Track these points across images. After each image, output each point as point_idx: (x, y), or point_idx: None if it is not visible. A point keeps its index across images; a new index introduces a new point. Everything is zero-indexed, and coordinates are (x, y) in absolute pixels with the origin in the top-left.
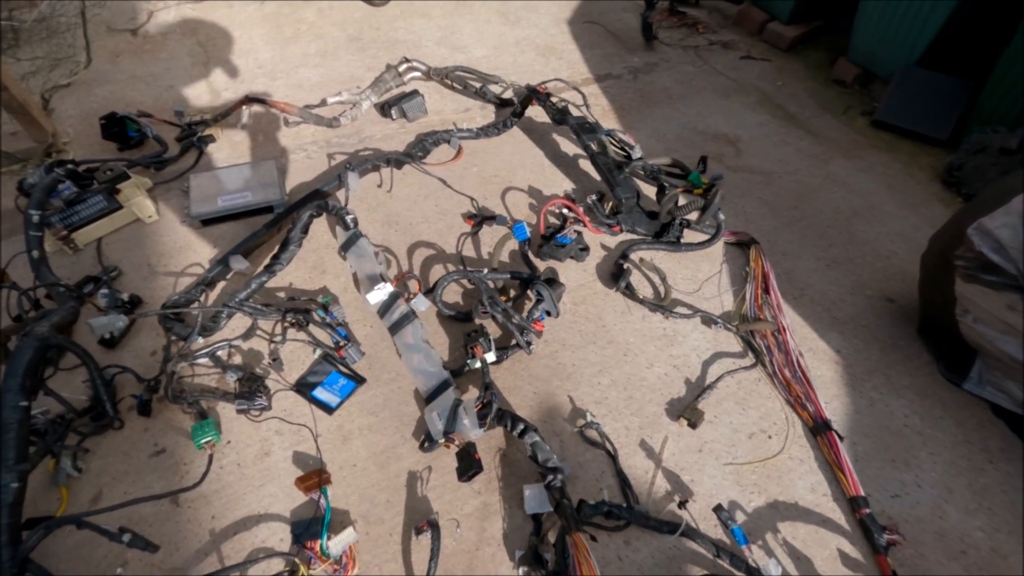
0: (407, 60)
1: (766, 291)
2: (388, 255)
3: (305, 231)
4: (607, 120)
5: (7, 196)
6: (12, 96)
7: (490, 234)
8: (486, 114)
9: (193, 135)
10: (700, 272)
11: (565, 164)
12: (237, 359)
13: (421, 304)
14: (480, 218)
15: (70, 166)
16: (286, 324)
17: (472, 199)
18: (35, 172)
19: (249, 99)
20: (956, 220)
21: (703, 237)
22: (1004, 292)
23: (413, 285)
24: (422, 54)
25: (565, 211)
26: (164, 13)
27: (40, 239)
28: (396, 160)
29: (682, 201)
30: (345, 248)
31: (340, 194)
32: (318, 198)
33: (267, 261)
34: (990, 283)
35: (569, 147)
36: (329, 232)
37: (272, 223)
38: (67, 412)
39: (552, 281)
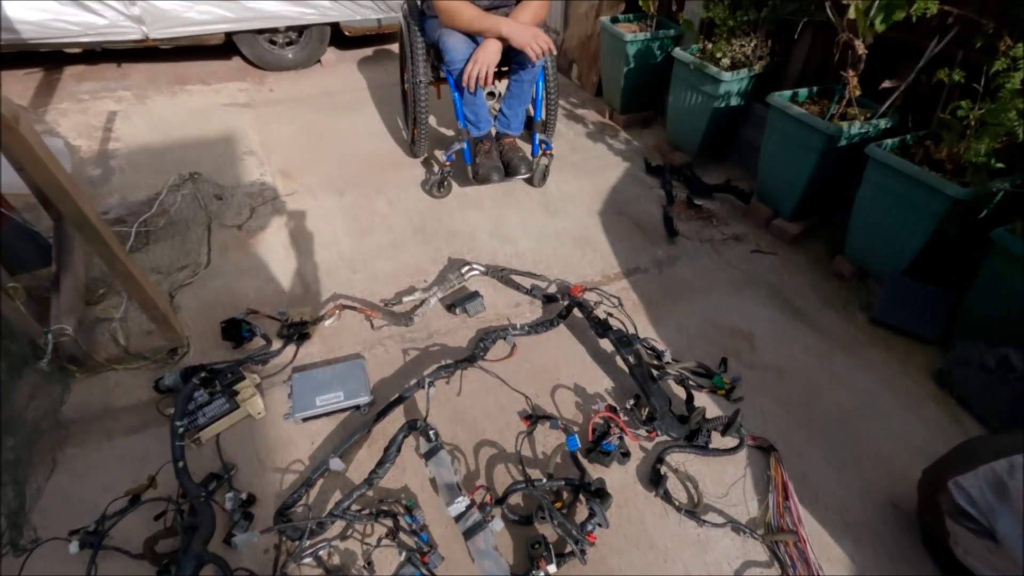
0: (467, 263)
1: (786, 499)
2: (457, 453)
3: (399, 450)
4: (638, 315)
5: (141, 388)
6: (159, 310)
7: (543, 433)
8: (534, 308)
9: (293, 335)
10: (727, 475)
11: (604, 361)
12: (335, 559)
13: (497, 525)
14: (535, 418)
15: (204, 374)
16: (382, 538)
17: (527, 397)
18: (172, 375)
19: (343, 305)
20: (939, 466)
21: (728, 441)
22: (982, 538)
23: (486, 498)
24: (476, 245)
25: (609, 419)
26: (263, 208)
27: (183, 448)
28: (465, 364)
29: (709, 415)
30: (427, 457)
31: (418, 396)
32: (401, 403)
33: (367, 475)
34: (970, 528)
35: (607, 344)
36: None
37: (366, 429)
38: None
39: (601, 492)
